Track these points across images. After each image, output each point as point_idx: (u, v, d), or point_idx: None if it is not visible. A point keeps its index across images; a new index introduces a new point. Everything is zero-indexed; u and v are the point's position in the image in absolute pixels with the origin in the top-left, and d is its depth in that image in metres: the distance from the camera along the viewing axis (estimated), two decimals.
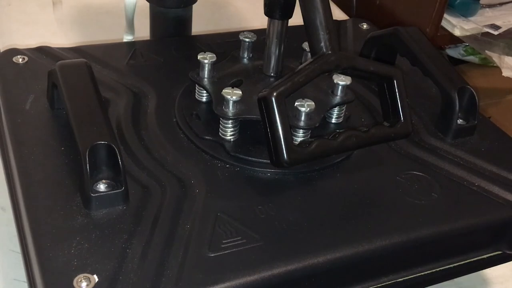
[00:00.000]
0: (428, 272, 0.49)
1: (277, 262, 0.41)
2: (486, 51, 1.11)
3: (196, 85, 0.55)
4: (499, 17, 1.16)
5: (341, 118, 0.55)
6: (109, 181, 0.44)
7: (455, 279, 0.53)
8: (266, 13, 0.52)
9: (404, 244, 0.45)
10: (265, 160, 0.48)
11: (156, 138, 0.51)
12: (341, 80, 0.53)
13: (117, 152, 0.44)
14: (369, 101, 0.59)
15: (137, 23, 0.71)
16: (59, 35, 0.85)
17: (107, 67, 0.60)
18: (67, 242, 0.41)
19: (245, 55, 0.58)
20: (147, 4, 0.69)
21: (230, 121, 0.50)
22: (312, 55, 0.47)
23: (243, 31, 0.59)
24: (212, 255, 0.41)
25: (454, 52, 1.17)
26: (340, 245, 0.43)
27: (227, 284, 0.40)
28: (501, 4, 1.20)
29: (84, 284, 0.38)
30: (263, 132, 0.45)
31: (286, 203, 0.46)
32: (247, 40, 0.58)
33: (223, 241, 0.42)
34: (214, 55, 0.54)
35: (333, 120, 0.55)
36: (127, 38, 0.72)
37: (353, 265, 0.44)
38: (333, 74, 0.53)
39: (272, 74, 0.55)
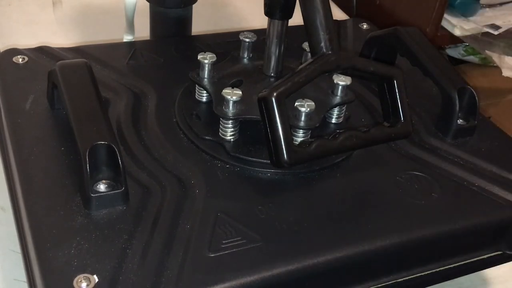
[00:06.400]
0: (428, 272, 0.49)
1: (277, 262, 0.41)
2: (486, 51, 1.11)
3: (196, 85, 0.55)
4: (499, 17, 1.16)
5: (341, 118, 0.55)
6: (109, 181, 0.44)
7: (455, 279, 0.53)
8: (266, 13, 0.52)
9: (404, 244, 0.45)
10: (265, 160, 0.48)
11: (156, 138, 0.51)
12: (341, 80, 0.53)
13: (117, 152, 0.44)
14: (369, 101, 0.59)
15: (137, 23, 0.71)
16: (59, 35, 0.85)
17: (107, 67, 0.60)
18: (67, 242, 0.41)
19: (245, 55, 0.58)
20: (147, 4, 0.69)
21: (230, 121, 0.50)
22: (312, 55, 0.47)
23: (243, 31, 0.59)
24: (212, 255, 0.41)
25: (454, 52, 1.17)
26: (340, 245, 0.43)
27: (227, 284, 0.40)
28: (501, 4, 1.20)
29: (84, 284, 0.38)
30: (263, 132, 0.45)
31: (286, 203, 0.46)
32: (247, 40, 0.58)
33: (223, 241, 0.42)
34: (214, 55, 0.54)
35: (333, 120, 0.54)
36: (127, 38, 0.72)
37: (353, 265, 0.44)
38: (333, 74, 0.53)
39: (272, 74, 0.54)
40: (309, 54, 0.48)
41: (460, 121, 0.55)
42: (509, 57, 1.10)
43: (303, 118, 0.49)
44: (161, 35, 0.70)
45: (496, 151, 0.54)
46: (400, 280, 0.47)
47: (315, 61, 0.46)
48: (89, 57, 0.59)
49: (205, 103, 0.55)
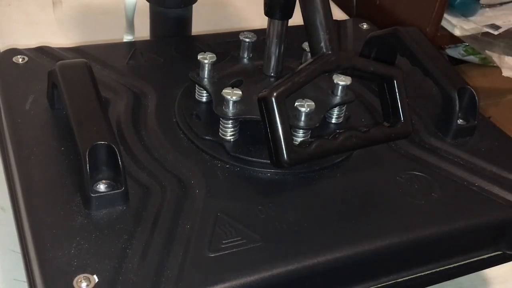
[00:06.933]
0: (428, 272, 0.49)
1: (277, 262, 0.41)
2: (486, 51, 1.10)
3: (196, 85, 0.55)
4: (499, 17, 1.16)
5: (341, 118, 0.55)
6: (109, 181, 0.44)
7: (455, 279, 0.53)
8: (266, 13, 0.52)
9: (404, 244, 0.45)
10: (265, 160, 0.48)
11: (156, 138, 0.51)
12: (341, 80, 0.53)
13: (117, 152, 0.44)
14: (369, 101, 0.59)
15: (137, 23, 0.71)
16: (59, 35, 0.85)
17: (107, 67, 0.60)
18: (67, 242, 0.41)
19: (245, 55, 0.58)
20: (147, 4, 0.69)
21: (230, 121, 0.50)
22: (312, 55, 0.47)
23: (243, 31, 0.59)
24: (212, 255, 0.41)
25: (454, 52, 1.17)
26: (340, 245, 0.43)
27: (227, 284, 0.40)
28: (501, 4, 1.20)
29: (84, 284, 0.38)
30: (263, 132, 0.45)
31: (286, 203, 0.46)
32: (247, 40, 0.58)
33: (223, 241, 0.42)
34: (214, 55, 0.54)
35: (333, 120, 0.54)
36: (127, 38, 0.72)
37: (353, 265, 0.44)
38: (333, 74, 0.53)
39: (272, 74, 0.54)
40: (309, 54, 0.48)
41: (460, 121, 0.55)
42: (509, 57, 1.10)
43: (303, 118, 0.49)
44: (161, 35, 0.70)
45: (496, 151, 0.54)
46: (400, 280, 0.47)
47: (315, 61, 0.46)
48: (89, 57, 0.59)
49: (205, 103, 0.55)
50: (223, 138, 0.51)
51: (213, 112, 0.51)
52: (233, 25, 0.92)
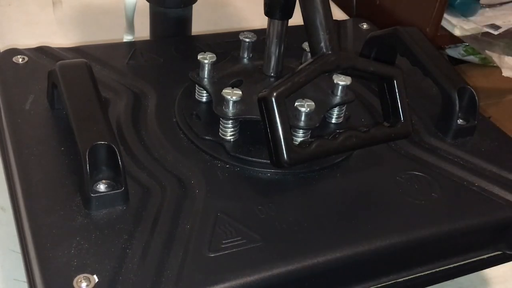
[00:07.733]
0: (428, 272, 0.49)
1: (277, 262, 0.41)
2: (486, 51, 1.10)
3: (196, 85, 0.55)
4: (499, 17, 1.16)
5: (341, 118, 0.55)
6: (109, 181, 0.44)
7: (455, 279, 0.53)
8: (266, 13, 0.52)
9: (404, 244, 0.45)
10: (265, 160, 0.48)
11: (156, 138, 0.51)
12: (341, 80, 0.53)
13: (117, 152, 0.44)
14: (369, 101, 0.59)
15: (137, 23, 0.71)
16: (59, 35, 0.85)
17: (107, 67, 0.60)
18: (67, 242, 0.41)
19: (245, 55, 0.58)
20: (147, 4, 0.69)
21: (230, 121, 0.50)
22: (312, 55, 0.47)
23: (243, 31, 0.59)
24: (212, 255, 0.41)
25: (454, 52, 1.17)
26: (340, 245, 0.43)
27: (227, 284, 0.40)
28: (501, 4, 1.20)
29: (84, 284, 0.38)
30: (263, 132, 0.45)
31: (286, 203, 0.46)
32: (247, 40, 0.58)
33: (223, 241, 0.42)
34: (214, 55, 0.54)
35: (333, 120, 0.54)
36: (127, 38, 0.72)
37: (353, 265, 0.44)
38: (333, 74, 0.53)
39: (272, 74, 0.54)
40: (309, 54, 0.48)
41: (460, 121, 0.55)
42: (509, 57, 1.10)
43: (303, 118, 0.49)
44: (161, 35, 0.70)
45: (496, 151, 0.54)
46: (400, 280, 0.47)
47: (315, 61, 0.46)
48: (89, 57, 0.59)
49: (205, 103, 0.55)
50: (223, 138, 0.51)
51: (213, 112, 0.51)
52: (233, 25, 0.92)
